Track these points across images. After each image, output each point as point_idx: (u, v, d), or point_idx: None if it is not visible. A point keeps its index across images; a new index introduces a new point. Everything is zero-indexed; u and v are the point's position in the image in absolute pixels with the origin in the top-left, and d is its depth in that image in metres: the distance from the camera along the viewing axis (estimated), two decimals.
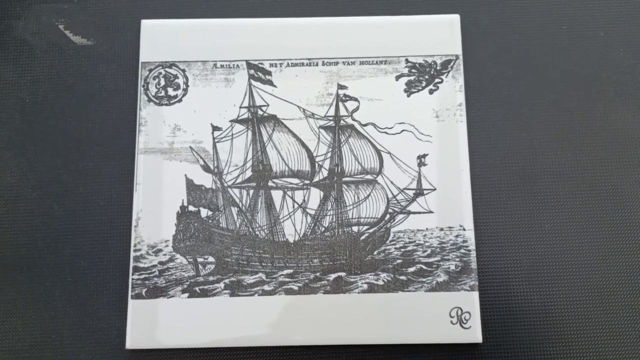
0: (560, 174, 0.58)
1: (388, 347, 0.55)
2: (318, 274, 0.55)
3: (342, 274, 0.55)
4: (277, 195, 0.57)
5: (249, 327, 0.54)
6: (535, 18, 0.61)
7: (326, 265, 0.55)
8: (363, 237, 0.56)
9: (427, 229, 0.56)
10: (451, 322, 0.54)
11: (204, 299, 0.54)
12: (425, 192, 0.56)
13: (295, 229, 0.56)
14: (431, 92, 0.58)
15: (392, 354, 0.55)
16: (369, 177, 0.57)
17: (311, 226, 0.56)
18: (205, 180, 0.57)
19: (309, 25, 0.59)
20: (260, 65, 0.59)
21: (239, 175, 0.57)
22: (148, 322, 0.54)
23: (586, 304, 0.55)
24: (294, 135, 0.58)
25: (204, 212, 0.56)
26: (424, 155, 0.57)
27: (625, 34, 0.61)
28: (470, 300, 0.54)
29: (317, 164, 0.58)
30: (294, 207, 0.57)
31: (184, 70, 0.58)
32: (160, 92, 0.58)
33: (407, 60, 0.59)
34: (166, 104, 0.58)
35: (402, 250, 0.56)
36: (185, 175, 0.57)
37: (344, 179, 0.58)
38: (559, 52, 0.61)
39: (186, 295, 0.54)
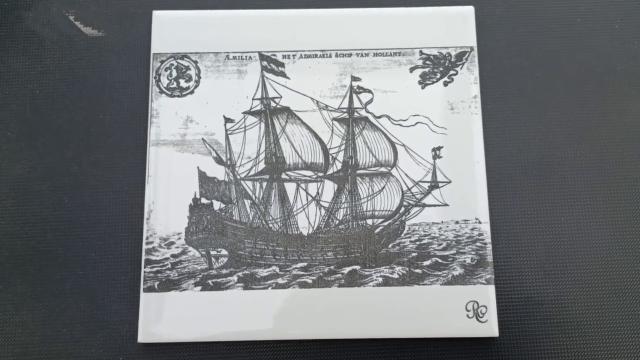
0: (576, 166, 0.58)
1: (403, 341, 0.54)
2: (332, 267, 0.55)
3: (357, 267, 0.55)
4: (290, 187, 0.56)
5: (262, 321, 0.53)
6: (549, 10, 0.61)
7: (340, 259, 0.55)
8: (378, 230, 0.56)
9: (442, 222, 0.55)
10: (467, 316, 0.53)
11: (217, 292, 0.54)
12: (440, 184, 0.56)
13: (309, 222, 0.56)
14: (446, 84, 0.58)
15: (407, 348, 0.54)
16: (383, 169, 0.57)
17: (325, 219, 0.56)
18: (218, 172, 0.56)
19: (323, 16, 0.59)
20: (273, 57, 0.58)
21: (252, 168, 0.57)
22: (160, 315, 0.53)
23: (603, 297, 0.55)
24: (307, 128, 0.57)
25: (217, 205, 0.56)
26: (439, 148, 0.56)
27: None
28: (486, 294, 0.54)
29: (330, 157, 0.57)
30: (307, 199, 0.56)
31: (196, 62, 0.58)
32: (172, 84, 0.57)
33: (421, 52, 0.58)
34: (178, 96, 0.57)
35: (417, 243, 0.55)
36: (198, 167, 0.56)
37: (358, 172, 0.57)
38: (574, 44, 0.60)
39: (199, 288, 0.54)
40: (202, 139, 0.56)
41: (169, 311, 0.53)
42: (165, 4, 0.60)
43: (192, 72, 0.58)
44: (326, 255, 0.55)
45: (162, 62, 0.58)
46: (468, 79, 0.58)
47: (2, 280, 0.55)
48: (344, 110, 0.57)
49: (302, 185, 0.56)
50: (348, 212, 0.56)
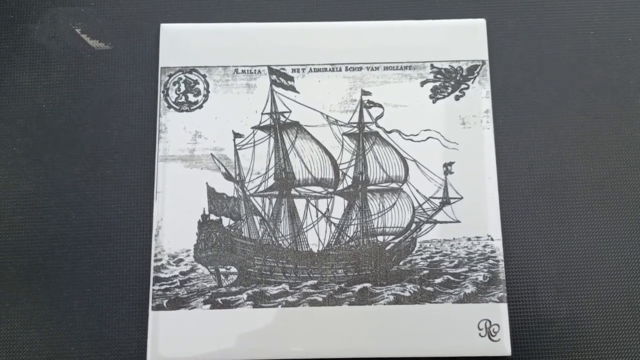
0: (589, 182, 0.57)
1: None
2: (343, 284, 0.54)
3: (368, 285, 0.54)
4: (300, 203, 0.56)
5: (272, 339, 0.53)
6: (562, 23, 0.60)
7: (351, 276, 0.54)
8: (388, 247, 0.55)
9: (454, 238, 0.55)
10: (479, 334, 0.53)
11: (226, 311, 0.53)
12: (451, 201, 0.55)
13: (319, 239, 0.55)
14: (457, 98, 0.57)
15: None
16: (394, 185, 0.56)
17: (335, 236, 0.55)
18: (227, 188, 0.55)
19: (332, 29, 0.58)
20: (282, 71, 0.57)
21: (261, 184, 0.56)
22: (169, 334, 0.53)
23: (617, 315, 0.54)
24: (317, 143, 0.57)
25: (226, 221, 0.55)
26: (450, 163, 0.56)
27: None
28: (498, 312, 0.53)
29: (341, 172, 0.56)
30: (317, 216, 0.55)
31: (204, 76, 0.57)
32: (181, 98, 0.57)
33: (432, 66, 0.58)
34: (186, 110, 0.57)
35: (429, 260, 0.54)
36: (207, 183, 0.55)
37: (368, 188, 0.56)
38: (587, 57, 0.59)
39: (208, 306, 0.53)
40: (211, 154, 0.56)
41: (178, 330, 0.53)
42: (173, 17, 0.59)
43: (201, 86, 0.57)
44: (336, 272, 0.54)
45: (170, 76, 0.57)
46: (480, 93, 0.57)
47: (9, 297, 0.55)
48: (354, 125, 0.57)
49: (312, 201, 0.56)
50: (358, 229, 0.55)
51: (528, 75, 0.59)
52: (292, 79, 0.57)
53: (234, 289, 0.54)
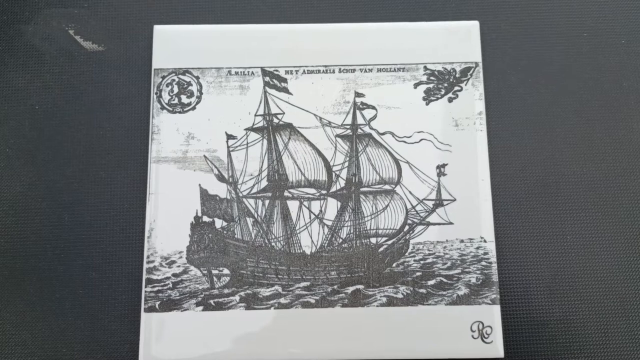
0: (582, 184, 0.57)
1: None
2: (335, 286, 0.54)
3: (360, 286, 0.54)
4: (293, 205, 0.56)
5: (265, 341, 0.53)
6: (555, 25, 0.60)
7: (344, 278, 0.54)
8: (381, 249, 0.55)
9: (447, 240, 0.55)
10: (472, 336, 0.53)
11: (218, 312, 0.53)
12: (444, 202, 0.55)
13: (312, 241, 0.55)
14: (450, 100, 0.57)
15: None
16: (387, 187, 0.56)
17: (328, 237, 0.55)
18: (220, 190, 0.55)
19: (326, 31, 0.58)
20: (275, 72, 0.57)
21: (254, 185, 0.56)
22: (161, 336, 0.52)
23: (610, 317, 0.54)
24: (310, 144, 0.57)
25: (219, 223, 0.55)
26: (444, 165, 0.56)
27: None
28: (491, 314, 0.53)
29: (334, 174, 0.56)
30: (310, 217, 0.55)
31: (197, 77, 0.57)
32: (174, 100, 0.57)
33: (425, 68, 0.58)
34: (179, 112, 0.57)
35: (422, 262, 0.54)
36: (199, 185, 0.55)
37: (361, 189, 0.56)
38: (580, 59, 0.59)
39: (200, 308, 0.53)
40: (204, 156, 0.56)
41: (170, 331, 0.53)
42: (166, 19, 0.59)
43: (194, 87, 0.57)
44: (329, 274, 0.54)
45: (163, 77, 0.57)
46: (473, 95, 0.57)
47: (2, 299, 0.54)
48: (348, 126, 0.57)
49: (305, 203, 0.56)
50: (351, 231, 0.55)
51: (521, 77, 0.59)
52: (285, 80, 0.57)
53: (226, 291, 0.54)
